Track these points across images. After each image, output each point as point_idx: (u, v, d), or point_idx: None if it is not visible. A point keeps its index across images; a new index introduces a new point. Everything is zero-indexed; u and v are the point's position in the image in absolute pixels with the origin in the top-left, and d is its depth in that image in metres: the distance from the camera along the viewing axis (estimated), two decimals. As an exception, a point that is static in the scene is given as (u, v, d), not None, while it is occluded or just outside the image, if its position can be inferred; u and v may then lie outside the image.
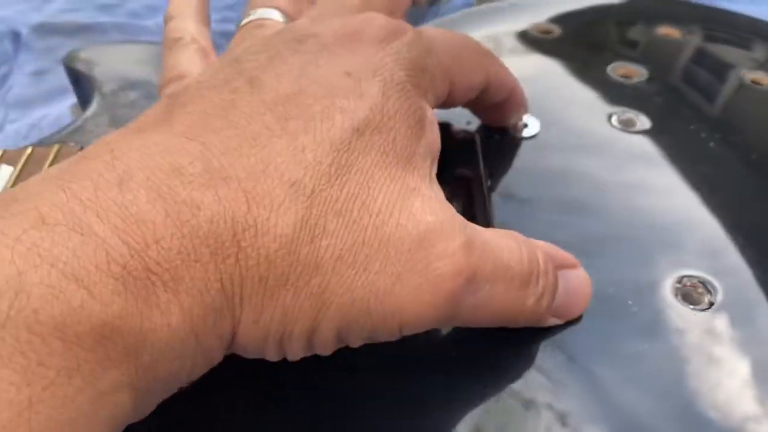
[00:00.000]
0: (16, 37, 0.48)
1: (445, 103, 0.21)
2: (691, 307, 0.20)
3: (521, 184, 0.24)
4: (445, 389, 0.18)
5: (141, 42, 0.40)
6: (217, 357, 0.15)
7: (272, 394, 0.19)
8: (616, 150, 0.25)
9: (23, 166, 0.25)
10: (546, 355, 0.19)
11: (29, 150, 0.26)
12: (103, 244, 0.13)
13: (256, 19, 0.23)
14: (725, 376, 0.18)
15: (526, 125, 0.26)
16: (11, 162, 0.25)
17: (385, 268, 0.15)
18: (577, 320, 0.19)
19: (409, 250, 0.15)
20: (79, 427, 0.12)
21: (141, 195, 0.14)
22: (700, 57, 0.31)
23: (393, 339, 0.17)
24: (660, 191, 0.23)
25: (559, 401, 0.18)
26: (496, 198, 0.23)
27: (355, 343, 0.17)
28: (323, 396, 0.18)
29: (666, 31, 0.32)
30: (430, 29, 0.21)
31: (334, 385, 0.19)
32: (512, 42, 0.31)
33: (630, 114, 0.26)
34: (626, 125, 0.26)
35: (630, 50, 0.31)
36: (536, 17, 0.33)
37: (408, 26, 0.20)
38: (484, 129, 0.26)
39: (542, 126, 0.26)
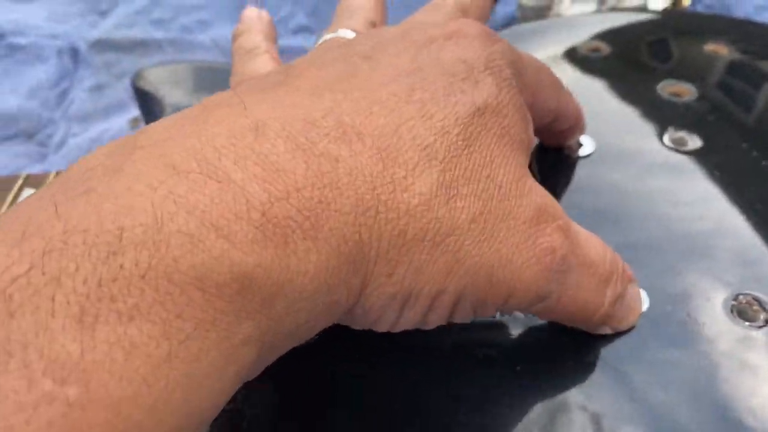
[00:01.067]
0: (74, 52, 0.50)
1: None
2: (747, 324, 0.20)
3: (576, 203, 0.25)
4: (482, 388, 0.19)
5: (205, 62, 0.42)
6: (337, 314, 0.15)
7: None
8: (669, 169, 0.26)
9: (17, 191, 0.26)
10: (594, 369, 0.20)
11: (53, 174, 0.27)
12: (243, 192, 0.13)
13: (336, 37, 0.23)
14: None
15: (581, 145, 0.26)
16: (36, 186, 0.26)
17: (508, 238, 0.16)
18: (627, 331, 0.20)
19: (525, 223, 0.17)
20: (211, 382, 0.12)
21: (279, 144, 0.14)
22: (748, 73, 0.31)
23: (491, 313, 0.18)
24: (712, 210, 0.24)
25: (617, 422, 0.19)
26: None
27: (462, 313, 0.17)
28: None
29: (713, 47, 0.33)
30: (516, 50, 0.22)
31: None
32: (563, 60, 0.32)
33: (682, 133, 0.27)
34: (678, 144, 0.26)
35: (679, 68, 0.31)
36: (582, 35, 0.34)
37: (501, 38, 0.21)
38: (540, 147, 0.27)
39: (597, 145, 0.26)
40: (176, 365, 0.11)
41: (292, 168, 0.14)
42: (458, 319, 0.18)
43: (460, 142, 0.16)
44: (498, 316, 0.22)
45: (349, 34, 0.23)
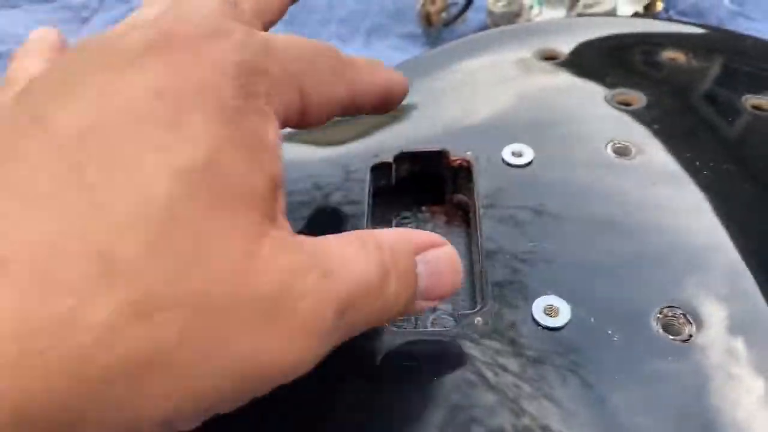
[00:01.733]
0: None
1: (307, 119, 0.19)
2: (671, 338, 0.20)
3: (512, 211, 0.24)
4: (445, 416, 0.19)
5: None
6: None
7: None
8: (607, 177, 0.25)
9: None
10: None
11: None
12: None
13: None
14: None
15: (520, 154, 0.26)
16: None
17: (248, 328, 0.13)
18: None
19: (270, 300, 0.14)
20: None
21: None
22: (702, 82, 0.31)
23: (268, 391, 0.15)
24: (647, 220, 0.23)
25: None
26: (487, 225, 0.24)
27: (230, 408, 0.14)
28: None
29: (671, 55, 0.32)
30: (273, 34, 0.18)
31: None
32: (516, 66, 0.32)
33: (625, 142, 0.26)
34: (621, 153, 0.26)
35: (633, 76, 0.31)
36: (545, 42, 0.34)
37: (238, 26, 0.17)
38: (479, 157, 0.26)
39: (536, 154, 0.26)
40: None
41: None
42: (230, 410, 0.15)
43: (151, 237, 0.12)
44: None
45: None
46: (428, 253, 0.18)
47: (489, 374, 0.20)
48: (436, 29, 0.46)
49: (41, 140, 0.13)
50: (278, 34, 0.18)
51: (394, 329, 0.21)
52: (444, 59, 0.33)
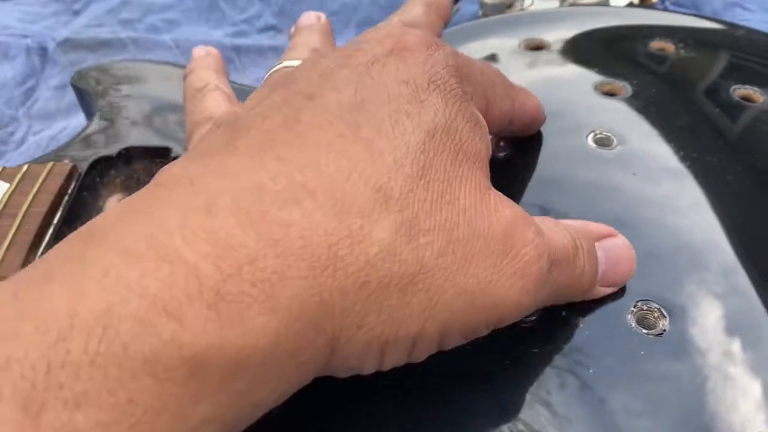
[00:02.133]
0: (43, 51, 0.50)
1: None
2: (645, 332, 0.20)
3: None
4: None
5: (146, 60, 0.42)
6: (312, 373, 0.15)
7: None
8: (587, 168, 0.25)
9: (18, 182, 0.26)
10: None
11: (25, 167, 0.27)
12: (195, 272, 0.13)
13: (282, 68, 0.23)
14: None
15: (499, 144, 0.26)
16: (8, 179, 0.27)
17: (483, 260, 0.16)
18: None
19: (499, 241, 0.16)
20: None
21: (230, 219, 0.14)
22: (690, 72, 0.30)
23: (485, 333, 0.17)
24: (622, 212, 0.23)
25: None
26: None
27: (452, 343, 0.17)
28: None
29: (659, 45, 0.32)
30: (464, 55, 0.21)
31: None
32: (501, 56, 0.32)
33: (607, 133, 0.26)
34: (602, 144, 0.26)
35: (619, 67, 0.30)
36: (531, 33, 0.33)
37: (444, 43, 0.20)
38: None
39: (518, 143, 0.26)
40: None
41: (244, 242, 0.13)
42: (449, 347, 0.17)
43: (414, 174, 0.16)
44: None
45: (295, 64, 0.23)
46: (606, 241, 0.20)
47: (457, 366, 0.19)
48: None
49: (319, 110, 0.17)
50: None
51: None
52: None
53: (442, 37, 0.33)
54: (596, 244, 0.20)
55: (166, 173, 0.15)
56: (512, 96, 0.22)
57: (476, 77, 0.20)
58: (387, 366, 0.16)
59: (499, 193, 0.18)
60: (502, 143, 0.26)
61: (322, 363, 0.15)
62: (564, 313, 0.20)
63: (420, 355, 0.16)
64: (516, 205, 0.18)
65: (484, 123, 0.19)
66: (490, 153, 0.19)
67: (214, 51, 0.26)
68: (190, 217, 0.14)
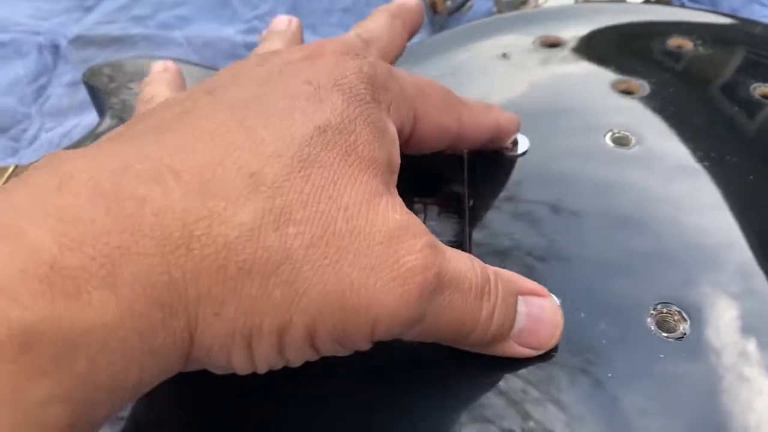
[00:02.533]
0: (55, 49, 0.50)
1: (414, 143, 0.21)
2: (665, 335, 0.19)
3: (505, 202, 0.24)
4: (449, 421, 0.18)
5: (158, 58, 0.41)
6: (174, 362, 0.15)
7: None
8: (605, 168, 0.24)
9: (4, 183, 0.26)
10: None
11: (12, 168, 0.27)
12: (34, 248, 0.12)
13: None
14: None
15: (516, 142, 0.25)
16: None
17: (359, 260, 0.15)
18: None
19: (381, 244, 0.16)
20: None
21: (81, 195, 0.14)
22: (709, 70, 0.30)
23: (363, 345, 0.17)
24: (640, 213, 0.23)
25: None
26: (479, 216, 0.23)
27: (325, 347, 0.16)
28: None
29: (677, 42, 0.31)
30: (399, 69, 0.21)
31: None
32: (516, 54, 0.31)
33: (625, 132, 0.26)
34: (620, 143, 0.25)
35: (637, 64, 0.30)
36: (546, 30, 0.33)
37: (370, 55, 0.21)
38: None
39: (533, 144, 0.25)
40: None
41: (91, 216, 0.13)
42: (327, 353, 0.17)
43: (295, 165, 0.15)
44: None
45: None
46: (532, 298, 0.19)
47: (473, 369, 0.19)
48: (441, 17, 0.46)
49: (213, 103, 0.17)
50: (399, 69, 0.21)
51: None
52: (444, 46, 0.32)
53: (446, 34, 0.33)
54: (519, 297, 0.19)
55: (44, 158, 0.15)
56: (457, 112, 0.22)
57: (398, 89, 0.20)
58: (262, 366, 0.16)
59: (399, 202, 0.17)
60: (510, 143, 0.25)
61: (183, 351, 0.15)
62: (582, 315, 0.20)
63: (292, 356, 0.16)
64: (411, 215, 0.17)
65: (392, 131, 0.19)
66: (397, 163, 0.19)
67: (172, 66, 0.26)
68: (42, 195, 0.13)
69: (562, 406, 0.18)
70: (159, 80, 0.25)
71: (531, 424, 0.18)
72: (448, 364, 0.19)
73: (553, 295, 0.20)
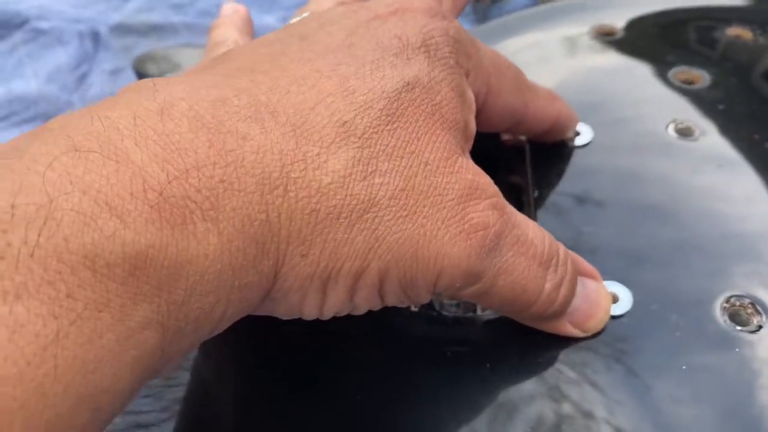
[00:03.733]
0: (95, 36, 0.51)
1: (482, 116, 0.21)
2: (739, 328, 0.19)
3: (569, 193, 0.23)
4: (492, 396, 0.18)
5: (198, 45, 0.41)
6: (254, 300, 0.15)
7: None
8: (670, 159, 0.24)
9: None
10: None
11: None
12: (140, 172, 0.13)
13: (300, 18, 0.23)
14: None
15: (578, 133, 0.25)
16: None
17: (433, 213, 0.16)
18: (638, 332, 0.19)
19: (453, 200, 0.16)
20: (104, 366, 0.12)
21: (183, 124, 0.14)
22: (764, 58, 0.29)
23: (425, 295, 0.17)
24: (709, 205, 0.22)
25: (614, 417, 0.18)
26: (543, 208, 0.23)
27: (391, 296, 0.17)
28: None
29: (736, 32, 0.31)
30: (478, 40, 0.21)
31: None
32: (572, 44, 0.31)
33: (688, 123, 0.25)
34: (683, 134, 0.25)
35: (695, 53, 0.29)
36: (600, 18, 0.32)
37: (454, 19, 0.20)
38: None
39: (596, 134, 0.25)
40: (66, 346, 0.11)
41: (194, 147, 0.13)
42: (391, 301, 0.17)
43: (383, 117, 0.16)
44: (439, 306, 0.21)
45: None
46: (588, 280, 0.19)
47: (537, 360, 0.19)
48: (484, 5, 0.45)
49: (305, 47, 0.17)
50: (483, 44, 0.21)
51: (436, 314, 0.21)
52: (496, 36, 0.32)
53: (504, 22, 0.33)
54: (579, 278, 0.19)
55: (136, 83, 0.15)
56: (525, 96, 0.22)
57: (479, 59, 0.20)
58: (329, 311, 0.16)
59: (472, 162, 0.18)
60: (577, 131, 0.25)
61: (266, 290, 0.15)
62: (654, 307, 0.20)
63: (360, 301, 0.16)
64: (485, 176, 0.18)
65: (471, 99, 0.19)
66: (473, 129, 0.19)
67: (242, 9, 0.26)
68: (143, 118, 0.14)
69: (637, 397, 0.18)
70: (229, 23, 0.25)
71: (602, 413, 0.18)
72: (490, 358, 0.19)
73: (624, 286, 0.20)
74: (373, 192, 0.15)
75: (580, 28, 0.32)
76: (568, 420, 0.18)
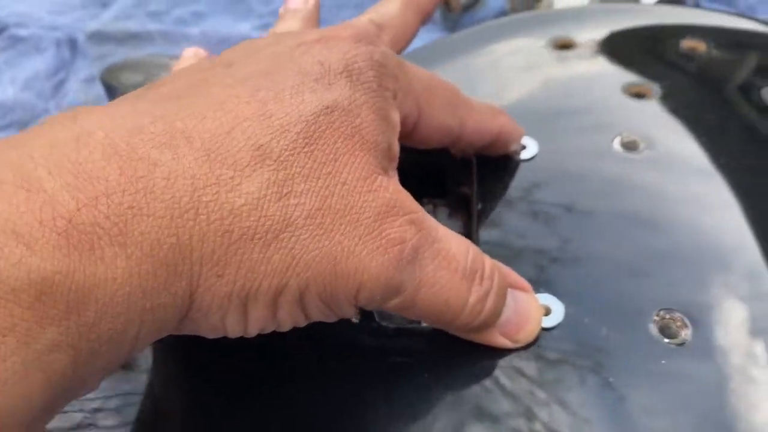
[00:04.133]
0: (73, 44, 0.51)
1: (416, 136, 0.22)
2: (667, 341, 0.19)
3: (512, 206, 0.24)
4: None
5: (173, 54, 0.42)
6: (170, 320, 0.15)
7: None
8: (612, 173, 0.24)
9: None
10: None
11: None
12: (51, 200, 0.13)
13: None
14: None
15: (524, 147, 0.26)
16: None
17: (351, 230, 0.17)
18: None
19: (370, 218, 0.17)
20: (10, 388, 0.12)
21: (97, 151, 0.14)
22: (722, 72, 0.30)
23: (348, 309, 0.18)
24: (646, 218, 0.23)
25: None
26: (486, 220, 0.24)
27: (314, 311, 0.17)
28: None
29: (691, 44, 0.31)
30: (408, 62, 0.21)
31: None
32: (528, 56, 0.31)
33: (634, 136, 0.26)
34: (628, 148, 0.25)
35: (649, 67, 0.30)
36: (560, 31, 0.33)
37: (382, 43, 0.21)
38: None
39: (542, 147, 0.26)
40: None
41: (105, 175, 0.14)
42: (315, 316, 0.17)
43: (300, 140, 0.16)
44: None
45: None
46: (518, 292, 0.20)
47: (473, 368, 0.19)
48: (454, 14, 0.46)
49: (228, 75, 0.18)
50: (411, 63, 0.22)
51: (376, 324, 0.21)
52: (455, 47, 0.32)
53: (460, 34, 0.33)
54: (509, 290, 0.20)
55: (63, 112, 0.16)
56: (460, 114, 0.22)
57: (407, 82, 0.20)
58: (253, 328, 0.17)
59: (394, 181, 0.18)
60: (518, 145, 0.26)
61: (182, 311, 0.15)
62: (586, 320, 0.20)
63: (284, 318, 0.17)
64: (404, 193, 0.18)
65: (396, 120, 0.19)
66: (397, 151, 0.19)
67: (201, 52, 0.27)
68: (60, 147, 0.14)
69: (567, 407, 0.18)
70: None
71: (537, 425, 0.18)
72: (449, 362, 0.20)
73: (557, 299, 0.20)
74: (289, 212, 0.16)
75: (538, 41, 0.32)
76: (498, 425, 0.18)
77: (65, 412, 0.22)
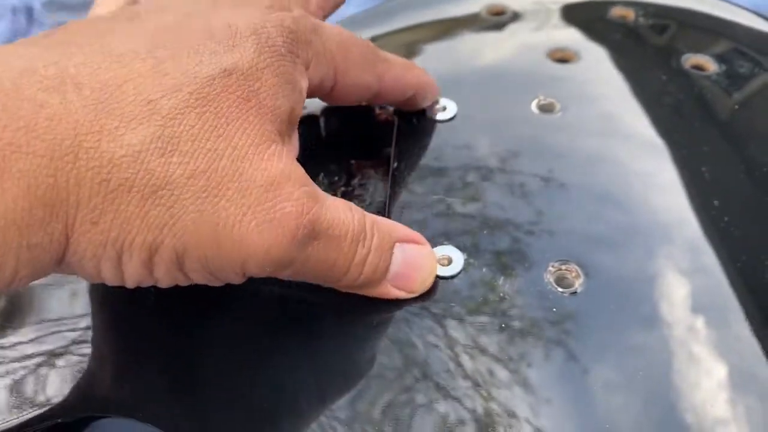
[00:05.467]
0: (29, 11, 0.51)
1: (335, 94, 0.22)
2: (561, 290, 0.20)
3: (426, 165, 0.25)
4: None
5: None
6: (47, 261, 0.16)
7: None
8: (526, 133, 0.25)
9: None
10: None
11: None
12: None
13: None
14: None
15: (444, 108, 0.26)
16: None
17: (238, 198, 0.16)
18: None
19: (261, 187, 0.17)
20: None
21: None
22: (645, 39, 0.30)
23: (235, 278, 0.18)
24: (553, 176, 0.24)
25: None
26: (400, 178, 0.24)
27: (195, 274, 0.17)
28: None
29: (620, 12, 0.32)
30: (325, 24, 0.22)
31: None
32: (460, 22, 0.32)
33: (552, 99, 0.26)
34: (545, 110, 0.26)
35: (576, 33, 0.31)
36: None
37: (299, 8, 0.21)
38: (402, 112, 0.26)
39: (460, 108, 0.26)
40: None
41: None
42: (199, 279, 0.18)
43: (191, 101, 0.16)
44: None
45: None
46: (408, 245, 0.20)
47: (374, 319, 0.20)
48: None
49: (132, 27, 0.18)
50: (328, 24, 0.22)
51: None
52: (391, 13, 0.33)
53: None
54: (397, 244, 0.20)
55: None
56: (377, 69, 0.23)
57: (320, 44, 0.20)
58: (130, 280, 0.17)
59: (288, 151, 0.18)
60: (437, 105, 0.26)
61: (58, 253, 0.16)
62: (484, 270, 0.21)
63: (161, 276, 0.17)
64: (297, 165, 0.18)
65: (302, 88, 0.20)
66: (298, 116, 0.20)
67: None
68: None
69: (455, 360, 0.19)
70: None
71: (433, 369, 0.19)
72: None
73: (458, 250, 0.21)
74: (171, 170, 0.16)
75: (472, 6, 0.33)
76: (402, 376, 0.19)
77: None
